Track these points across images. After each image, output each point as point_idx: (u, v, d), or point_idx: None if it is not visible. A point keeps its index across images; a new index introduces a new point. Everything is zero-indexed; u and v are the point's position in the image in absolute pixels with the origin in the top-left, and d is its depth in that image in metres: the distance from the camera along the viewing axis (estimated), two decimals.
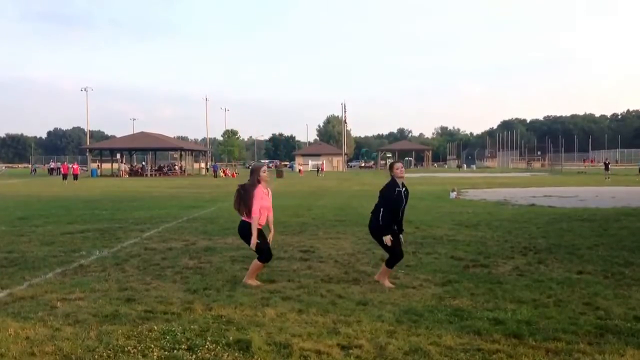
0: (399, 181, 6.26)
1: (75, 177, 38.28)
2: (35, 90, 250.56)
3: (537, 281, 6.43)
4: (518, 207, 16.39)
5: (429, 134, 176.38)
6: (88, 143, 79.27)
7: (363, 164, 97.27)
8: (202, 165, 71.80)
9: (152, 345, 4.23)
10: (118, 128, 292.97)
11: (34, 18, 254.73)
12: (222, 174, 53.77)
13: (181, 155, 66.37)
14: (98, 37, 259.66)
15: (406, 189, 6.35)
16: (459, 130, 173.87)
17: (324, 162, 66.84)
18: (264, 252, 6.28)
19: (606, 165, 40.03)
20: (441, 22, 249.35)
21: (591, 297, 5.69)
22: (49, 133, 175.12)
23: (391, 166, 6.38)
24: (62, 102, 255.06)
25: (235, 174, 53.24)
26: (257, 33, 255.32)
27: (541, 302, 5.49)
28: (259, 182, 6.29)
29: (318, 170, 55.65)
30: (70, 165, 41.52)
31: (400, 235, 6.39)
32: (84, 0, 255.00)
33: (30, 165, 79.62)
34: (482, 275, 6.77)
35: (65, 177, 38.54)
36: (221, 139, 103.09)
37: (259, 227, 6.21)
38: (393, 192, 6.21)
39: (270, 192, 6.45)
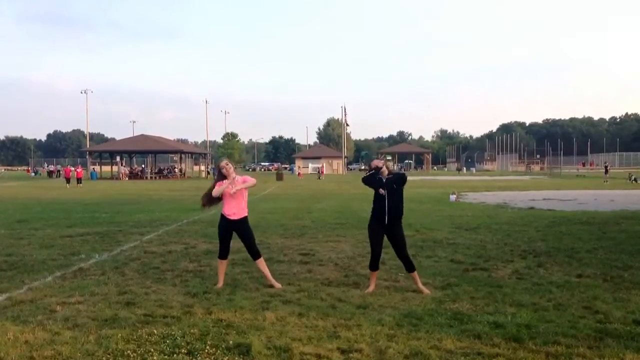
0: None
1: (79, 180, 37.20)
2: (34, 93, 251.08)
3: (536, 284, 6.43)
4: (517, 210, 16.40)
5: (428, 136, 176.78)
6: (88, 145, 79.27)
7: (363, 167, 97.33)
8: (202, 167, 71.78)
9: (152, 349, 4.22)
10: (118, 130, 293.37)
11: (34, 20, 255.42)
12: None
13: (181, 157, 66.38)
14: (97, 39, 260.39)
15: (393, 180, 6.06)
16: (458, 133, 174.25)
17: (324, 165, 66.67)
18: (219, 246, 6.53)
19: (606, 169, 40.21)
20: (441, 25, 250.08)
21: (590, 300, 5.69)
22: (48, 135, 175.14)
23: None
24: (62, 104, 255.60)
25: None
26: (257, 35, 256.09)
27: (541, 306, 5.49)
28: (222, 177, 6.44)
29: (319, 174, 55.46)
30: (73, 169, 40.23)
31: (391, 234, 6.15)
32: (83, 2, 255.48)
33: (28, 168, 79.48)
34: (482, 279, 6.77)
35: (68, 180, 37.03)
36: (221, 141, 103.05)
37: (228, 217, 6.39)
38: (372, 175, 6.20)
39: (238, 179, 6.46)
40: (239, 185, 6.37)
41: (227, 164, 6.46)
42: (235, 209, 6.39)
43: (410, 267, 6.24)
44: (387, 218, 6.07)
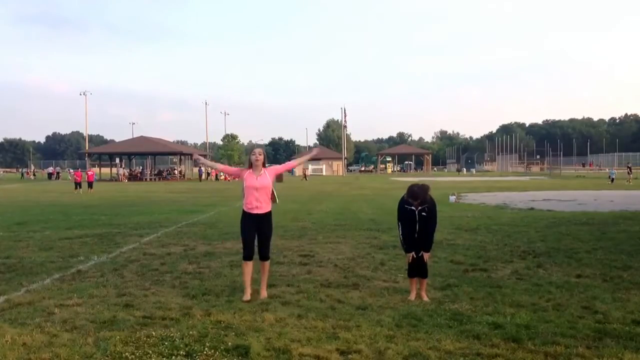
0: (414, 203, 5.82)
1: (90, 184, 33.15)
2: (33, 95, 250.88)
3: (536, 285, 6.43)
4: (517, 211, 16.41)
5: (428, 138, 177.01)
6: (87, 147, 79.27)
7: (363, 168, 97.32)
8: (202, 169, 71.71)
9: (150, 351, 4.21)
10: (117, 132, 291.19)
11: (31, 21, 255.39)
12: (222, 178, 53.61)
13: (180, 159, 66.36)
14: (96, 40, 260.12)
15: (426, 212, 5.81)
16: (458, 134, 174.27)
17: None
18: (243, 247, 6.08)
19: (629, 169, 40.83)
20: (440, 26, 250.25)
21: (590, 300, 5.69)
22: (47, 137, 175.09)
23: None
24: (61, 106, 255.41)
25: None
26: (257, 36, 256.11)
27: (540, 306, 5.49)
28: (250, 166, 6.06)
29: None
30: (84, 172, 35.95)
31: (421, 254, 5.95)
32: (80, 3, 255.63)
33: (28, 170, 79.51)
34: (482, 280, 6.77)
35: (78, 185, 32.28)
36: (221, 143, 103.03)
37: (248, 211, 5.97)
38: (402, 206, 5.95)
39: (265, 173, 6.01)
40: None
41: (260, 154, 5.98)
42: (259, 202, 5.92)
43: (423, 275, 6.04)
44: (421, 242, 5.92)
